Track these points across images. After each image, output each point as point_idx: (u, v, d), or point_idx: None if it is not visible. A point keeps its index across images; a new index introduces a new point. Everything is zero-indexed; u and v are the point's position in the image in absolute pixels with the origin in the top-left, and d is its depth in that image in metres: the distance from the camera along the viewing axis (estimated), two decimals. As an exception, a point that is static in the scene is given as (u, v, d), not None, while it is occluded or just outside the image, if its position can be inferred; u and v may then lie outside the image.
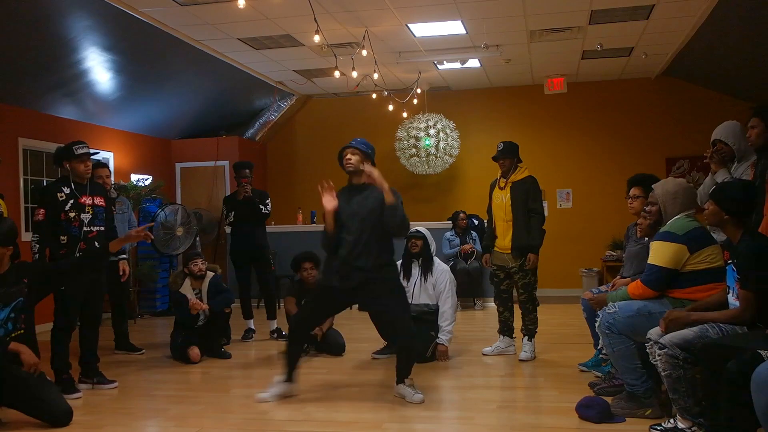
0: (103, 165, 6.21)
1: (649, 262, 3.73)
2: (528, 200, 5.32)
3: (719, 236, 3.85)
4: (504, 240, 5.41)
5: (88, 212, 4.87)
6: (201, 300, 5.86)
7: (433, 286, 5.55)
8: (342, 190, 4.45)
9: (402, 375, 4.35)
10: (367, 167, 4.33)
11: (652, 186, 4.00)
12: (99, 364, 5.01)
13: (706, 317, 3.32)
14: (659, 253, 3.67)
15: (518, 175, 5.40)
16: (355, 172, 4.38)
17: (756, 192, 3.43)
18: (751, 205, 3.35)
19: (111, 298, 6.22)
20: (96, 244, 4.86)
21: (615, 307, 3.79)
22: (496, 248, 5.50)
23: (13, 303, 4.06)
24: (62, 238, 4.78)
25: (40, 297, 4.35)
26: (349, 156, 4.37)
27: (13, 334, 4.02)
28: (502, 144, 5.46)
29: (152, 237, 4.67)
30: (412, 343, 4.43)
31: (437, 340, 5.46)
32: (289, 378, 4.44)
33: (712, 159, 4.14)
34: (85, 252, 4.77)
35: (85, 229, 4.82)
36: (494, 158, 5.47)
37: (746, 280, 3.15)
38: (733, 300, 3.33)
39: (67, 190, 4.82)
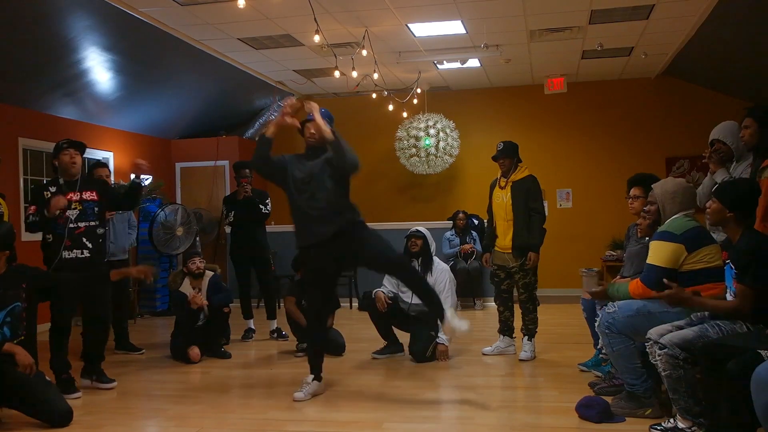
0: (102, 165, 6.21)
1: (647, 261, 3.74)
2: (528, 199, 5.33)
3: (719, 236, 3.85)
4: (504, 239, 5.41)
5: (75, 208, 4.74)
6: (201, 300, 5.88)
7: (433, 286, 5.54)
8: (296, 156, 4.45)
9: (439, 313, 4.33)
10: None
11: (652, 185, 4.01)
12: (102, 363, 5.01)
13: (705, 303, 3.32)
14: (657, 253, 3.68)
15: (518, 175, 5.41)
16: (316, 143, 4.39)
17: (759, 191, 3.44)
18: (754, 203, 3.36)
19: (111, 297, 6.21)
20: (84, 240, 4.73)
21: (615, 306, 3.80)
22: (496, 248, 5.51)
23: (9, 307, 4.00)
24: (48, 236, 4.74)
25: (38, 300, 4.33)
26: (313, 131, 4.36)
27: (14, 341, 3.98)
28: (501, 144, 5.47)
29: (151, 279, 4.64)
30: (417, 273, 4.53)
31: (437, 340, 5.46)
32: (319, 376, 4.48)
33: (710, 159, 4.15)
34: (87, 268, 4.71)
35: (71, 225, 4.71)
36: (494, 158, 5.48)
37: (743, 275, 3.15)
38: (731, 299, 3.33)
39: (53, 189, 4.76)
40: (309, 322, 4.70)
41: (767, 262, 3.12)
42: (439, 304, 4.34)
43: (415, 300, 5.54)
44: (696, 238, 3.63)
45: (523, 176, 5.41)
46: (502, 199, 5.43)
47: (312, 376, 4.46)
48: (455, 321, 4.25)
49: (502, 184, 5.47)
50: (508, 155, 5.42)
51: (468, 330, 4.29)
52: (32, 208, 4.75)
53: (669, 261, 3.63)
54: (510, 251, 5.37)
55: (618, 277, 4.64)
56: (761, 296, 3.14)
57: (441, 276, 5.56)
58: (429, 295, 4.40)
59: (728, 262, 3.35)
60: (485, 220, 6.10)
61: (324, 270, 4.43)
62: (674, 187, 3.82)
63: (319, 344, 4.60)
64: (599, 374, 4.65)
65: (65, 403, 3.98)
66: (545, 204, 10.06)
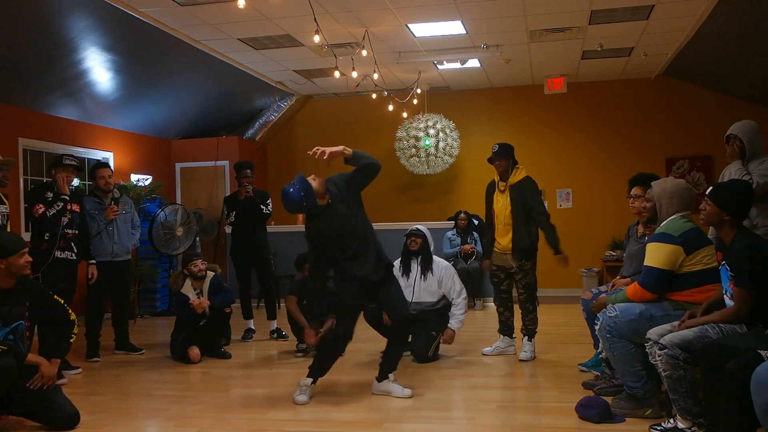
0: (104, 165, 6.20)
1: (645, 264, 3.73)
2: (528, 202, 5.31)
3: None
4: (504, 241, 5.41)
5: (67, 216, 5.45)
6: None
7: (438, 283, 5.53)
8: (310, 218, 4.28)
9: (388, 369, 4.43)
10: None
11: (651, 183, 4.01)
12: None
13: (705, 321, 3.31)
14: (655, 255, 3.67)
15: (516, 177, 5.40)
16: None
17: (752, 192, 3.46)
18: (749, 205, 3.36)
19: (112, 297, 6.22)
20: (72, 244, 5.51)
21: (616, 310, 3.77)
22: (496, 249, 5.50)
23: (12, 325, 3.90)
24: (45, 235, 5.33)
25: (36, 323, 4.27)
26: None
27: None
28: (497, 146, 5.44)
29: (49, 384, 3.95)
30: (409, 329, 4.64)
31: (449, 326, 5.47)
32: (316, 381, 4.47)
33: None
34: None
35: (65, 230, 5.43)
36: (489, 160, 5.46)
37: (740, 278, 3.15)
38: (728, 301, 3.33)
39: (50, 194, 5.37)
40: (344, 335, 4.46)
41: (762, 262, 3.12)
42: (396, 358, 4.51)
43: (415, 299, 5.54)
44: (694, 240, 3.63)
45: (520, 178, 5.39)
46: (502, 203, 5.42)
47: (311, 380, 4.43)
48: (395, 386, 4.41)
49: (501, 187, 5.45)
50: (504, 157, 5.39)
51: (409, 396, 4.36)
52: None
53: (667, 263, 3.63)
54: (510, 252, 5.36)
55: (618, 277, 4.64)
56: (759, 297, 3.14)
57: (446, 272, 5.57)
58: (398, 347, 4.55)
59: (723, 264, 3.35)
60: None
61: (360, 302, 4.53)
62: (673, 187, 3.82)
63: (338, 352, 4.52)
64: (599, 374, 4.65)
65: (72, 407, 3.96)
66: (545, 204, 10.12)
